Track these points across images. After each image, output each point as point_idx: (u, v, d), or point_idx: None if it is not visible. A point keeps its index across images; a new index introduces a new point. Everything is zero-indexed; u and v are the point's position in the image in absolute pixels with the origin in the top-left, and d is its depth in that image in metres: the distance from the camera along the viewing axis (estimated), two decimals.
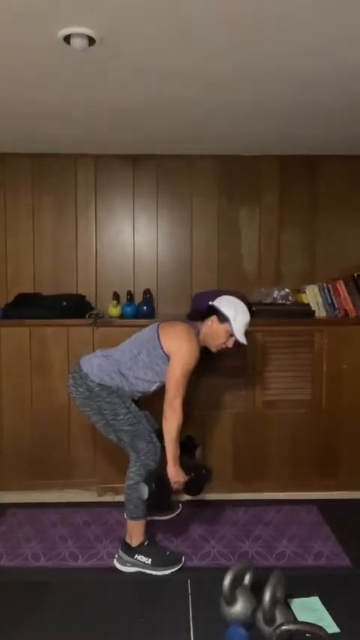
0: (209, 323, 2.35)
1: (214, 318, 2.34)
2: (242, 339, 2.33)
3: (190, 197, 3.38)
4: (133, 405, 2.34)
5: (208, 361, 2.48)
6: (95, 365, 2.35)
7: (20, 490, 3.07)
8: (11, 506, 2.91)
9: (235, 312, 2.32)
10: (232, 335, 2.33)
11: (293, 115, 2.56)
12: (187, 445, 2.52)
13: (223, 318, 2.32)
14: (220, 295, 2.44)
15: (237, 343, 2.35)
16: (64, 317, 3.05)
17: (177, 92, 2.28)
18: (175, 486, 2.28)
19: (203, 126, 2.75)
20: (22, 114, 2.57)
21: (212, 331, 2.34)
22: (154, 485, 2.22)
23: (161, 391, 2.32)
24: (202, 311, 2.43)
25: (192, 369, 2.28)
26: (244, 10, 1.61)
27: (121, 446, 2.42)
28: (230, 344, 2.36)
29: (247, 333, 2.36)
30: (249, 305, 2.50)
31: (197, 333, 2.35)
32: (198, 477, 2.37)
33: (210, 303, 2.40)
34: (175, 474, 2.26)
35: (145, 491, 2.21)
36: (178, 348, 2.27)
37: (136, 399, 2.40)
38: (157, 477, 2.26)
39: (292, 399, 3.10)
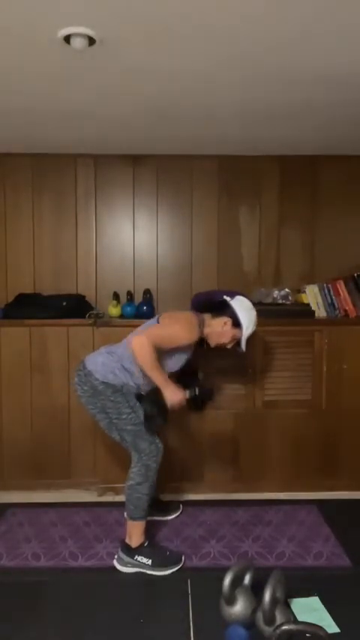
0: (223, 323, 2.36)
1: (228, 320, 2.35)
2: (244, 347, 2.39)
3: (190, 197, 3.38)
4: (137, 405, 2.34)
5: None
6: (99, 363, 2.35)
7: (20, 490, 3.07)
8: (11, 506, 2.91)
9: (248, 322, 2.36)
10: (237, 340, 2.38)
11: (293, 115, 2.56)
12: (188, 373, 2.50)
13: (236, 323, 2.34)
14: (225, 293, 2.44)
15: (235, 346, 2.42)
16: (64, 317, 3.05)
17: (177, 92, 2.28)
18: (176, 406, 2.26)
19: (203, 126, 2.75)
20: (22, 114, 2.57)
21: (223, 331, 2.37)
22: (148, 408, 2.24)
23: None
24: (213, 304, 2.43)
25: (176, 346, 2.28)
26: (244, 11, 1.61)
27: (123, 445, 2.43)
28: (230, 346, 2.42)
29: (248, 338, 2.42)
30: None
31: (201, 323, 2.35)
32: (199, 393, 2.36)
33: (227, 300, 2.39)
34: (171, 394, 2.24)
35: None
36: (174, 321, 2.30)
37: (143, 393, 2.40)
38: (151, 400, 2.26)
39: (292, 399, 3.10)
